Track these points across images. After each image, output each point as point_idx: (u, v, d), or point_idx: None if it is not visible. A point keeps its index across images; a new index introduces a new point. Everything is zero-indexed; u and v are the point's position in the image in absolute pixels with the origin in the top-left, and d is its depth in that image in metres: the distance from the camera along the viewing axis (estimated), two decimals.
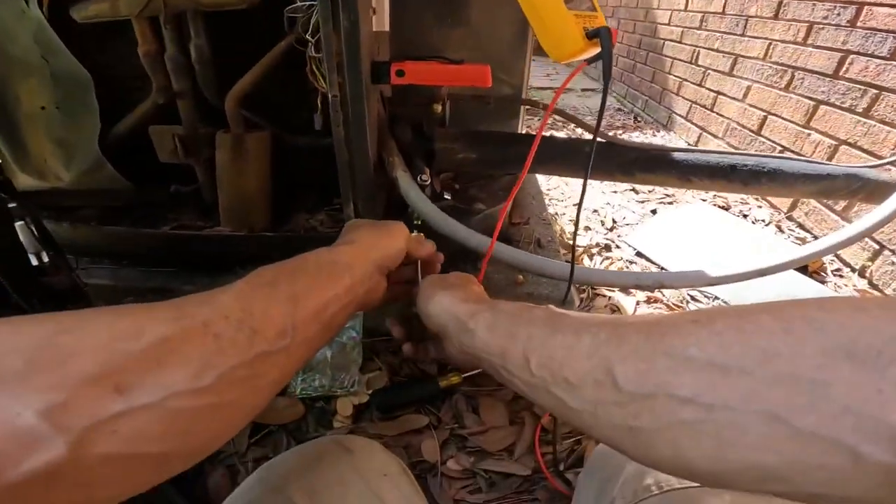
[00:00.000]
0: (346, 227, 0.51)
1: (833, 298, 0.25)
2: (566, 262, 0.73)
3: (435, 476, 0.78)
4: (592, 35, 0.55)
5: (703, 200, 1.91)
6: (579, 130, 2.71)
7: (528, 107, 1.23)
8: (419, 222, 0.75)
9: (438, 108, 0.90)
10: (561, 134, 2.71)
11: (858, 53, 1.54)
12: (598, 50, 0.56)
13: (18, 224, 0.62)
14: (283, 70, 0.94)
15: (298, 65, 0.83)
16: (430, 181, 0.84)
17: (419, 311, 0.47)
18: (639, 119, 3.29)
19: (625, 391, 0.27)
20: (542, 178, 1.91)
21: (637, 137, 2.85)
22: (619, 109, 3.59)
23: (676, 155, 0.92)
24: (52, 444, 0.21)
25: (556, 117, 2.99)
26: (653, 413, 0.26)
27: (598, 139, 0.91)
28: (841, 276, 1.45)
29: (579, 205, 0.66)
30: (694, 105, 2.68)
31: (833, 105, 1.64)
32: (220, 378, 0.27)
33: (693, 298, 1.31)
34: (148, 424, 0.24)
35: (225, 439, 0.31)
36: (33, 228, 0.63)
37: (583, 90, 4.05)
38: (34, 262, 0.64)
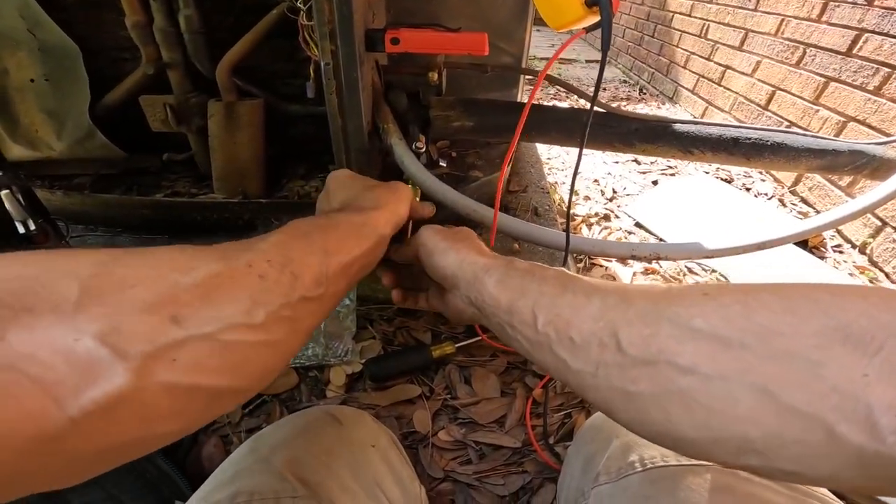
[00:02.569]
0: (361, 185, 0.51)
1: (840, 284, 0.26)
2: (562, 230, 0.72)
3: (426, 447, 0.78)
4: (592, 3, 0.53)
5: (706, 173, 1.89)
6: (583, 102, 2.66)
7: (529, 76, 1.20)
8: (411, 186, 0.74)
9: (434, 76, 0.87)
10: (564, 104, 2.66)
11: (874, 32, 1.51)
12: (597, 18, 0.54)
13: (4, 193, 0.62)
14: (275, 38, 0.92)
15: (291, 33, 0.80)
16: (425, 148, 0.83)
17: (423, 262, 0.46)
18: (644, 91, 3.23)
19: (628, 354, 0.28)
20: (543, 147, 1.89)
21: (642, 109, 2.80)
22: (625, 82, 3.52)
23: (678, 126, 0.89)
24: (114, 370, 0.20)
25: (560, 88, 2.94)
26: (652, 380, 0.27)
27: (597, 109, 0.90)
28: (841, 252, 1.44)
29: (574, 173, 0.65)
30: (701, 78, 2.63)
31: (844, 82, 1.62)
32: (269, 316, 0.28)
33: (690, 271, 1.30)
34: (205, 355, 0.24)
35: (270, 379, 0.31)
36: (20, 197, 0.63)
37: (587, 61, 3.97)
38: (21, 230, 0.63)
